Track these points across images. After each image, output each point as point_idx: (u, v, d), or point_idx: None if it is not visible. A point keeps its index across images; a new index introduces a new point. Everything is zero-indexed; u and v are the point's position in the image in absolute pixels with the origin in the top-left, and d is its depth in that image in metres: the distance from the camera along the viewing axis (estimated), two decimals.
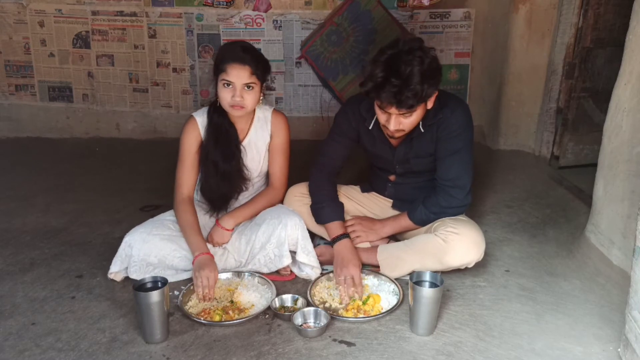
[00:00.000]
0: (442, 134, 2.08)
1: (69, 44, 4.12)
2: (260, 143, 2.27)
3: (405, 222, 2.22)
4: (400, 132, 2.01)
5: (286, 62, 4.10)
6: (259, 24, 4.04)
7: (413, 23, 3.99)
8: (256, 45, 4.01)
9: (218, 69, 2.08)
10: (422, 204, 2.17)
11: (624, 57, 2.11)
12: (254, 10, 4.01)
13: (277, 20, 4.03)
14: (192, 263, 2.04)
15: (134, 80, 4.18)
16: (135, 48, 4.11)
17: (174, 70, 4.14)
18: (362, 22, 3.94)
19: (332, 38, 3.98)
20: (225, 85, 2.06)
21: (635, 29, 2.05)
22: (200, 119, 2.21)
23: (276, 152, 2.29)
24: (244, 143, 2.25)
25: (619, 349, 1.70)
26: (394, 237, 2.34)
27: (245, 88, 2.06)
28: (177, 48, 4.10)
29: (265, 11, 4.01)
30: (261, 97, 2.17)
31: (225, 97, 2.08)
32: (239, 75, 2.04)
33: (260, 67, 2.09)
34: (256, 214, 2.24)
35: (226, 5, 3.99)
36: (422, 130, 2.06)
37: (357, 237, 2.24)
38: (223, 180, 2.21)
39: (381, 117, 1.99)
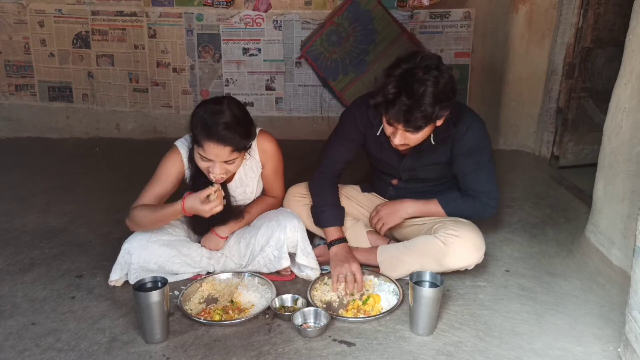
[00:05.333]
0: (460, 150, 2.07)
1: (69, 44, 4.12)
2: (250, 176, 2.19)
3: (436, 208, 2.18)
4: (405, 147, 1.99)
5: (286, 62, 4.10)
6: (259, 24, 4.04)
7: (413, 23, 3.98)
8: (256, 46, 4.08)
9: (194, 138, 1.90)
10: (461, 199, 2.16)
11: (624, 57, 2.12)
12: (254, 10, 4.01)
13: (277, 20, 4.03)
14: (183, 205, 1.90)
15: (134, 80, 4.18)
16: (135, 48, 4.11)
17: (174, 70, 4.14)
18: (362, 22, 3.94)
19: (332, 38, 3.97)
20: (203, 159, 1.92)
21: (635, 29, 2.05)
22: (185, 152, 2.07)
23: (270, 177, 2.22)
24: (233, 182, 2.17)
25: (619, 349, 1.70)
26: (394, 238, 2.34)
27: (227, 162, 1.93)
28: (177, 48, 4.10)
29: (265, 11, 4.01)
30: (247, 155, 2.06)
31: (203, 167, 1.95)
32: (217, 154, 1.88)
33: (243, 142, 1.92)
34: (251, 222, 2.21)
35: (226, 5, 3.99)
36: (433, 143, 2.04)
37: (383, 225, 2.22)
38: (216, 221, 2.13)
39: (387, 128, 1.95)
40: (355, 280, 2.04)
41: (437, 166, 2.16)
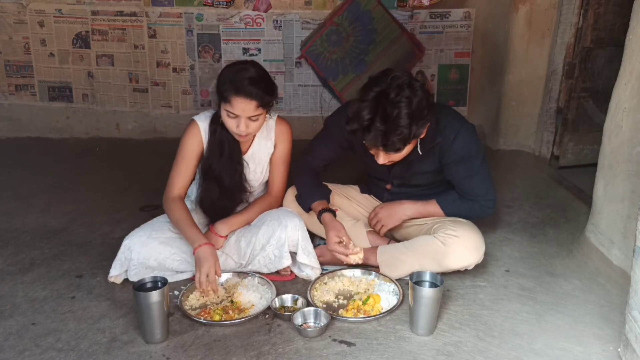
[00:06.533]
0: (451, 159, 2.06)
1: (69, 44, 4.12)
2: (263, 154, 2.25)
3: (434, 209, 2.19)
4: (390, 163, 1.99)
5: (286, 62, 4.10)
6: (259, 24, 4.04)
7: (413, 23, 3.99)
8: (256, 46, 4.08)
9: (222, 96, 1.99)
10: (459, 200, 2.15)
11: (624, 57, 2.12)
12: (254, 10, 4.01)
13: (277, 20, 4.03)
14: (193, 253, 2.01)
15: (134, 80, 4.18)
16: (135, 48, 4.11)
17: (174, 70, 4.14)
18: (362, 22, 3.94)
19: (332, 38, 3.97)
20: (230, 115, 2.01)
21: (635, 29, 2.05)
22: (203, 124, 2.15)
23: (278, 162, 2.26)
24: (247, 155, 2.22)
25: (619, 349, 1.70)
26: (394, 238, 2.34)
27: (251, 119, 2.02)
28: (177, 48, 4.10)
29: (265, 11, 4.01)
30: (267, 116, 2.15)
31: (230, 125, 2.03)
32: (244, 109, 1.97)
33: (267, 98, 2.01)
34: (251, 221, 2.23)
35: (226, 5, 3.99)
36: (421, 153, 2.03)
37: (382, 226, 2.24)
38: (225, 195, 2.19)
39: (370, 148, 1.95)
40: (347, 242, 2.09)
41: (427, 174, 2.16)
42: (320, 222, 2.19)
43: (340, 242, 2.10)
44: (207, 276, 1.95)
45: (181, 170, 2.16)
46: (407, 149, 1.93)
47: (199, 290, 1.98)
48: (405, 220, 2.25)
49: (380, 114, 1.78)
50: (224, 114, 2.02)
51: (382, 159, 1.94)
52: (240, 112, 1.98)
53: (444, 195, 2.19)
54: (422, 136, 1.94)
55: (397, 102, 1.78)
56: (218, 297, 2.01)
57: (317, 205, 2.21)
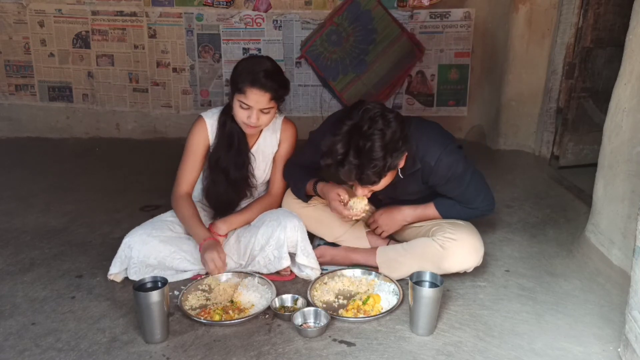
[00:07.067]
0: (437, 182, 2.05)
1: (69, 44, 4.12)
2: (268, 151, 2.29)
3: (434, 213, 2.18)
4: (371, 192, 1.98)
5: (286, 62, 4.10)
6: (259, 24, 4.04)
7: (413, 23, 3.99)
8: (256, 46, 4.08)
9: (236, 87, 2.04)
10: (459, 205, 2.13)
11: (624, 57, 2.12)
12: (254, 10, 4.01)
13: (277, 20, 4.03)
14: (200, 250, 2.07)
15: (134, 80, 4.18)
16: (135, 48, 4.11)
17: (174, 70, 4.14)
18: (362, 22, 3.94)
19: (332, 38, 3.98)
20: (242, 106, 2.05)
21: (635, 29, 2.05)
22: (210, 121, 2.19)
23: (279, 161, 2.30)
24: (253, 150, 2.26)
25: (619, 349, 1.70)
26: (393, 238, 2.34)
27: (263, 111, 2.06)
28: (177, 48, 4.10)
29: (265, 11, 4.01)
30: (277, 113, 2.18)
31: (241, 116, 2.08)
32: (257, 100, 2.02)
33: (281, 91, 2.06)
34: (251, 221, 2.24)
35: (226, 5, 3.99)
36: (402, 176, 2.01)
37: (382, 232, 2.24)
38: (231, 187, 2.23)
39: (347, 182, 1.93)
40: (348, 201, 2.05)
41: (414, 193, 2.16)
42: (318, 195, 2.17)
43: (341, 201, 2.07)
44: (213, 262, 2.03)
45: (188, 166, 2.21)
46: (385, 181, 1.91)
47: (211, 276, 2.06)
48: (405, 225, 2.25)
49: (353, 147, 1.77)
50: (236, 105, 2.07)
51: (361, 191, 1.93)
52: (254, 104, 2.02)
53: (443, 201, 2.18)
54: (401, 166, 1.93)
55: (370, 134, 1.76)
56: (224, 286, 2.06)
57: (310, 184, 2.19)
